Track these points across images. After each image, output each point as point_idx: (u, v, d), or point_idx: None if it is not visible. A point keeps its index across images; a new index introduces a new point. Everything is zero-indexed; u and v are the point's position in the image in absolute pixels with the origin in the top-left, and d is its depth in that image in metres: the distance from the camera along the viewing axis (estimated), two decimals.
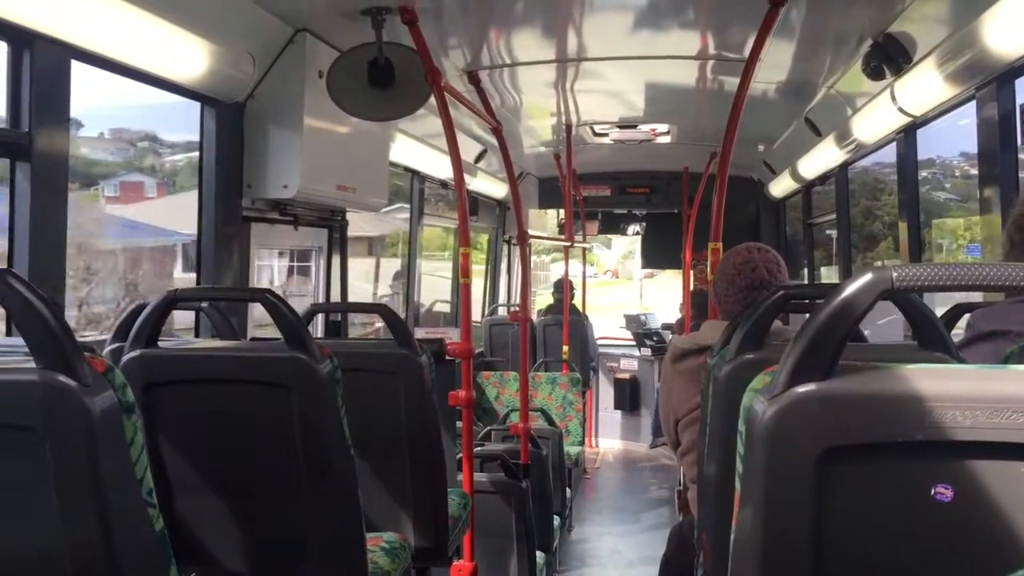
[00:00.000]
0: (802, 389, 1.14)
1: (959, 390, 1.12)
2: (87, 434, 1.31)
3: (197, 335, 3.70)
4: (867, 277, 1.13)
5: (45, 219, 2.71)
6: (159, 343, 2.27)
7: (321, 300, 4.84)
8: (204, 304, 3.29)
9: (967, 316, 2.28)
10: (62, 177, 2.80)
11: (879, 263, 7.34)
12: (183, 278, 8.42)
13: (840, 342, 1.15)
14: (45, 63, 2.69)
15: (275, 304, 2.17)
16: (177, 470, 2.25)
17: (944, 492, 1.12)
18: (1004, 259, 1.87)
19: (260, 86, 3.80)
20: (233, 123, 3.79)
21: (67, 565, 1.33)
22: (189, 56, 3.32)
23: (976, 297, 2.94)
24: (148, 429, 2.19)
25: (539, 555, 4.90)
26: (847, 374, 1.15)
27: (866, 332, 2.89)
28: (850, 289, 1.14)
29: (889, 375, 1.14)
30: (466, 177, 6.84)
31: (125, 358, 2.21)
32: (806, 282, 7.67)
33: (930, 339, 1.72)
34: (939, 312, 2.72)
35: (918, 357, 1.68)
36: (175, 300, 2.28)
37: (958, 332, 2.32)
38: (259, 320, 3.98)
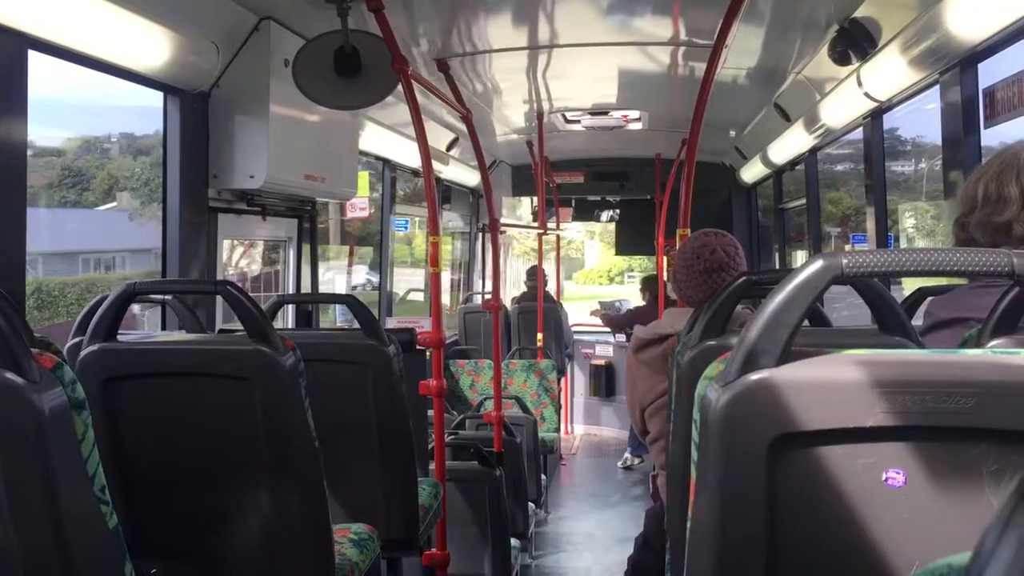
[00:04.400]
0: (755, 376, 1.14)
1: (909, 376, 1.12)
2: (36, 432, 1.29)
3: (164, 328, 3.66)
4: (817, 264, 1.14)
5: (3, 213, 2.66)
6: (119, 337, 2.24)
7: (291, 291, 4.80)
8: (169, 297, 3.26)
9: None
10: (20, 170, 2.75)
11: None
12: None
13: (792, 329, 1.15)
14: (1, 53, 2.64)
15: (236, 297, 2.15)
16: (138, 465, 2.23)
17: (895, 477, 1.13)
18: (971, 215, 1.89)
19: (224, 75, 3.75)
20: (197, 113, 3.74)
21: (17, 564, 1.31)
22: (151, 45, 3.26)
23: (943, 280, 2.97)
24: (108, 423, 2.17)
25: (513, 542, 4.92)
26: (799, 360, 1.15)
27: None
28: (800, 276, 1.14)
29: (841, 361, 1.14)
30: (438, 165, 6.85)
31: (84, 352, 2.18)
32: (776, 267, 7.72)
33: (890, 323, 1.73)
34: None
35: (878, 342, 1.70)
36: (134, 293, 2.25)
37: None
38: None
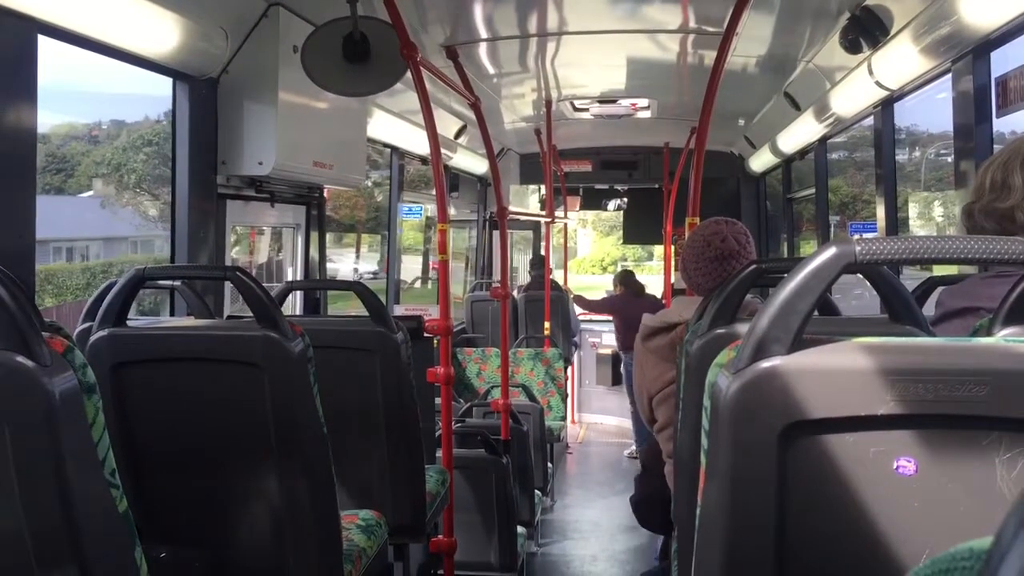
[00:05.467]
0: (766, 364, 1.14)
1: (921, 364, 1.11)
2: (46, 415, 1.30)
3: (172, 314, 3.67)
4: (830, 251, 1.13)
5: (12, 197, 2.66)
6: (128, 322, 2.24)
7: (299, 277, 4.81)
8: (178, 283, 3.27)
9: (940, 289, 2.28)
10: (30, 156, 2.75)
11: None
12: None
13: (804, 316, 1.14)
14: (10, 38, 2.63)
15: (245, 282, 2.15)
16: (148, 450, 2.23)
17: (906, 465, 1.12)
18: (979, 204, 1.88)
19: (233, 61, 3.74)
20: (206, 99, 3.74)
21: (28, 547, 1.31)
22: (160, 31, 3.26)
23: (953, 269, 2.96)
24: (118, 408, 2.18)
25: (519, 529, 4.93)
26: (811, 348, 1.14)
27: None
28: (813, 263, 1.13)
29: (852, 349, 1.14)
30: (446, 153, 6.84)
31: (93, 338, 2.19)
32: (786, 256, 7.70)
33: (901, 312, 1.72)
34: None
35: (889, 330, 1.69)
36: (143, 279, 2.25)
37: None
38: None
